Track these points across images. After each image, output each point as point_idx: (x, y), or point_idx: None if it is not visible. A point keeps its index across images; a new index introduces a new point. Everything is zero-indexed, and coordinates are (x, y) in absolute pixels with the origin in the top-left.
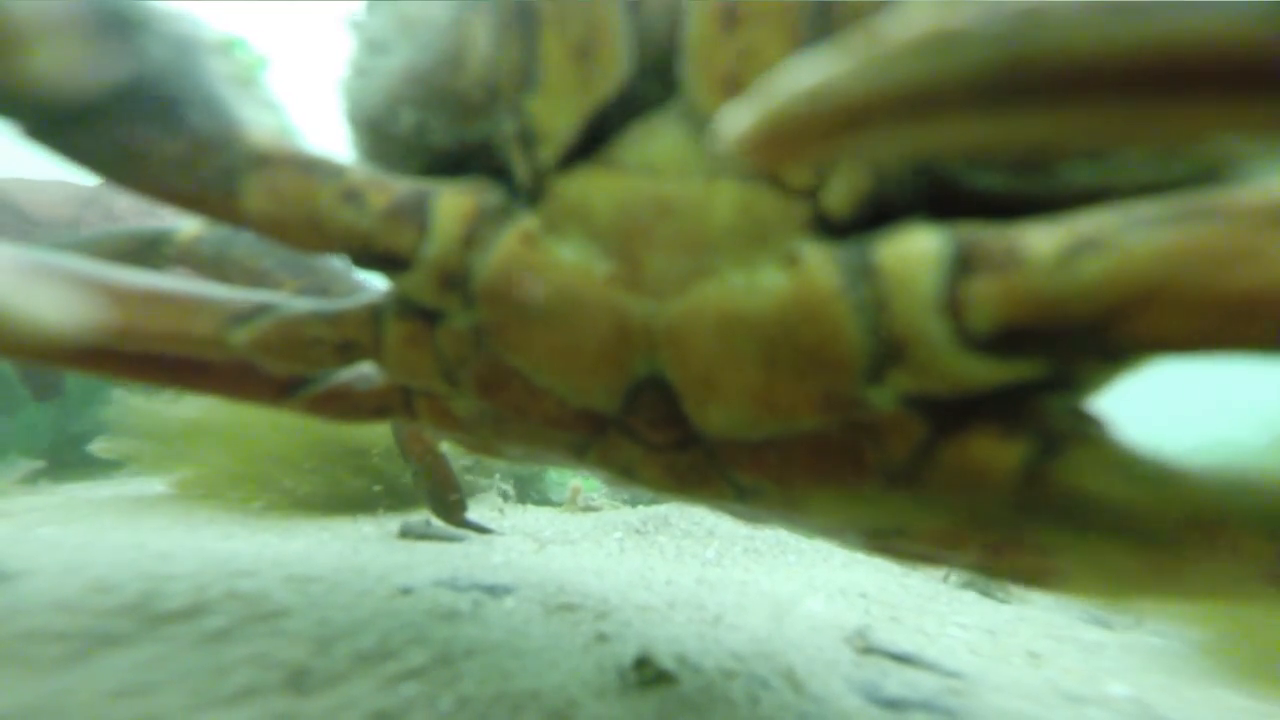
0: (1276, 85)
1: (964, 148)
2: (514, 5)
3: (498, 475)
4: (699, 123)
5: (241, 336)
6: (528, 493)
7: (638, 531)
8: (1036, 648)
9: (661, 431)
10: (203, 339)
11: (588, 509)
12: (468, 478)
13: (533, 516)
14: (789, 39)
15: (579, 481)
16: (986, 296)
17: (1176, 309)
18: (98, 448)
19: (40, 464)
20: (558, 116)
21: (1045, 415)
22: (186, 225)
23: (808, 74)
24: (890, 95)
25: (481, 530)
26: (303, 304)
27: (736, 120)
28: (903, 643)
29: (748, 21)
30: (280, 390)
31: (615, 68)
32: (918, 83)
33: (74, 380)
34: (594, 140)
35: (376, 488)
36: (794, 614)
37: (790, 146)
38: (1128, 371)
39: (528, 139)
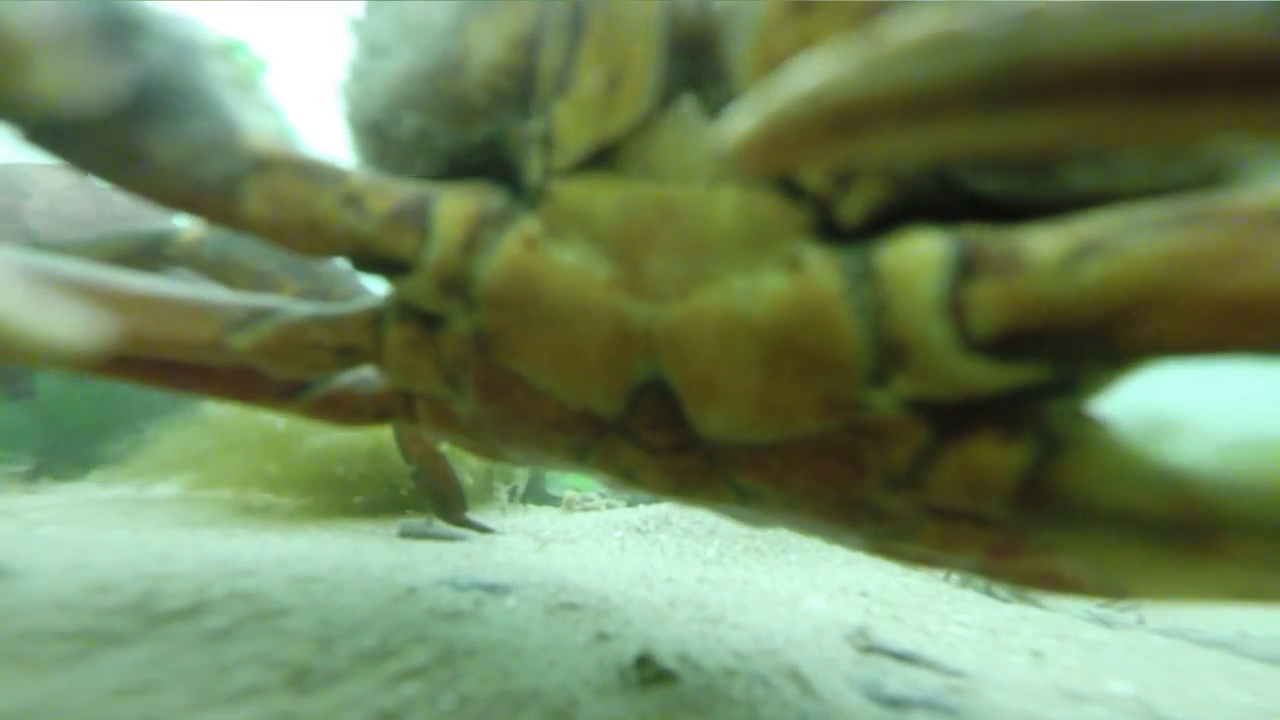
0: (1277, 87)
1: (965, 151)
2: (570, 10)
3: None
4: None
5: (242, 341)
6: (528, 492)
7: (639, 530)
8: (1038, 646)
9: (662, 434)
10: (204, 344)
11: (587, 509)
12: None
13: (533, 516)
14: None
15: (573, 493)
16: (988, 300)
17: (1178, 312)
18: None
19: (31, 464)
20: (576, 132)
21: (1047, 418)
22: (189, 227)
23: (809, 76)
24: (892, 98)
25: (482, 530)
26: (303, 308)
27: (738, 123)
28: (904, 641)
29: (816, 12)
30: (281, 394)
31: (635, 106)
32: (919, 85)
33: (47, 378)
34: (594, 159)
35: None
36: (795, 612)
37: (791, 150)
38: (1130, 374)
39: (549, 142)
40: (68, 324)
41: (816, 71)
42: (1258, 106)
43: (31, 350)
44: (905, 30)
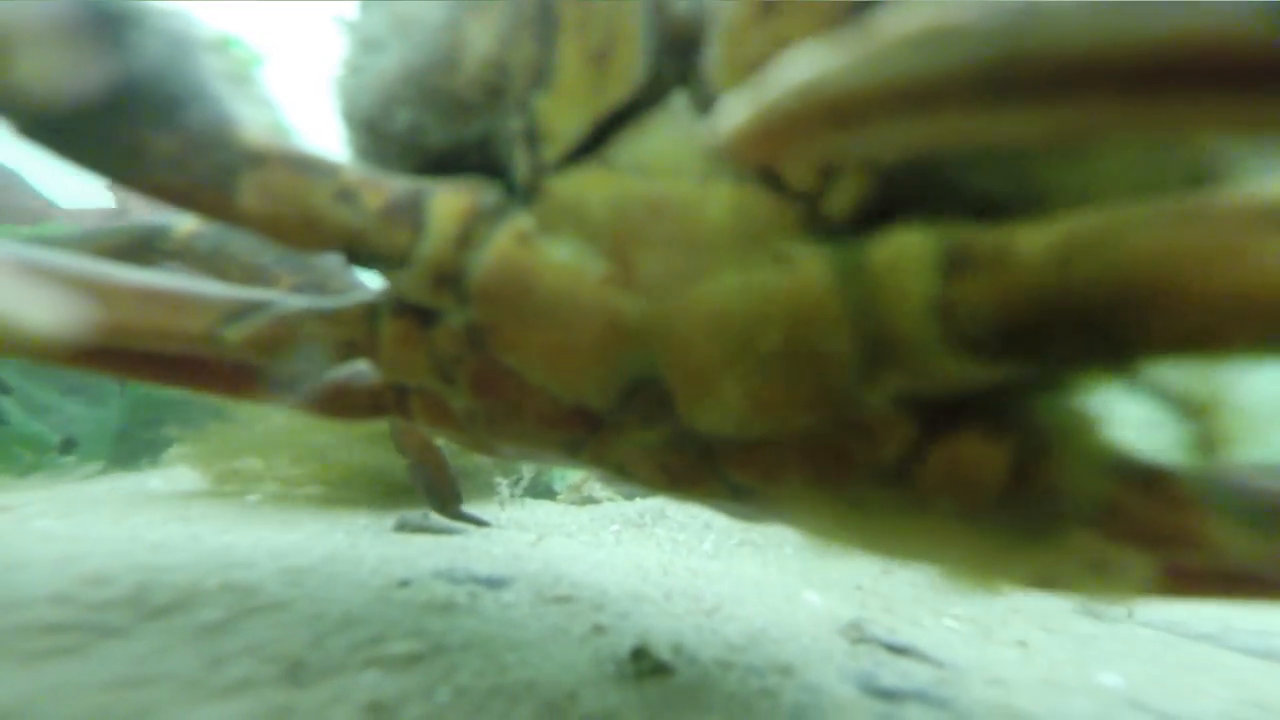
0: (1270, 84)
1: (959, 144)
2: (535, 3)
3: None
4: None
5: (235, 334)
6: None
7: (635, 524)
8: (1028, 639)
9: (656, 430)
10: (196, 336)
11: (586, 501)
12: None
13: (530, 510)
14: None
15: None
16: (976, 297)
17: (1164, 311)
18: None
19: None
20: (566, 118)
21: (1034, 415)
22: (184, 220)
23: (804, 68)
24: (886, 90)
25: (478, 523)
26: (297, 302)
27: (731, 115)
28: (897, 634)
29: (784, 12)
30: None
31: (630, 75)
32: (914, 78)
33: None
34: (591, 140)
35: None
36: (790, 606)
37: (785, 141)
38: (1116, 372)
39: (533, 137)
40: (47, 311)
41: (810, 63)
42: (1252, 104)
43: (13, 341)
44: (899, 23)
